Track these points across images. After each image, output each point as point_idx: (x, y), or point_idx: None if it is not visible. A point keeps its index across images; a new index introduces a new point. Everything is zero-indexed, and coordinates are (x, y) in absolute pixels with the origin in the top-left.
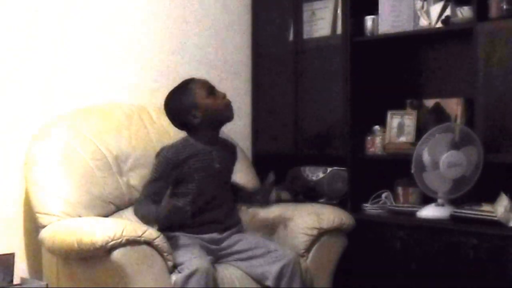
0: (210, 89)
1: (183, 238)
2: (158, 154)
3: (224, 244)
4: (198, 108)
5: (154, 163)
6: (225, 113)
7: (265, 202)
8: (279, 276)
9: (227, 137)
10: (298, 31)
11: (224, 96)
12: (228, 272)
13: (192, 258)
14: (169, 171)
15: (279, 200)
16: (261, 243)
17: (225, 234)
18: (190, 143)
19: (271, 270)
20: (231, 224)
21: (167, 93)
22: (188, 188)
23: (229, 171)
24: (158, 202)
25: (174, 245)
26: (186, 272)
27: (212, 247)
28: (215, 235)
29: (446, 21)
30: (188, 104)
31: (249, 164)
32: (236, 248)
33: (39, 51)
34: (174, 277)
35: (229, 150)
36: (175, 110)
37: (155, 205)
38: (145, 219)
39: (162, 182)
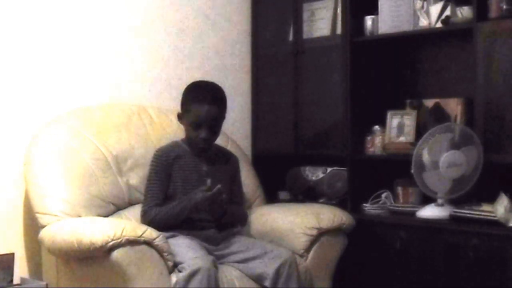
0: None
1: (183, 237)
2: (152, 157)
3: (221, 245)
4: (183, 115)
5: (149, 167)
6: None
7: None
8: (276, 276)
9: (232, 147)
10: (298, 31)
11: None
12: (228, 272)
13: (194, 258)
14: (163, 170)
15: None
16: (257, 244)
17: (222, 234)
18: (179, 145)
19: (268, 271)
20: (227, 223)
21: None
22: (173, 189)
23: (220, 179)
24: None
25: (174, 244)
26: (188, 271)
27: (210, 247)
28: (211, 232)
29: (446, 21)
30: (184, 103)
31: (249, 164)
32: (232, 249)
33: (39, 51)
34: (174, 276)
35: (225, 160)
36: (183, 93)
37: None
38: (163, 221)
39: (161, 182)
